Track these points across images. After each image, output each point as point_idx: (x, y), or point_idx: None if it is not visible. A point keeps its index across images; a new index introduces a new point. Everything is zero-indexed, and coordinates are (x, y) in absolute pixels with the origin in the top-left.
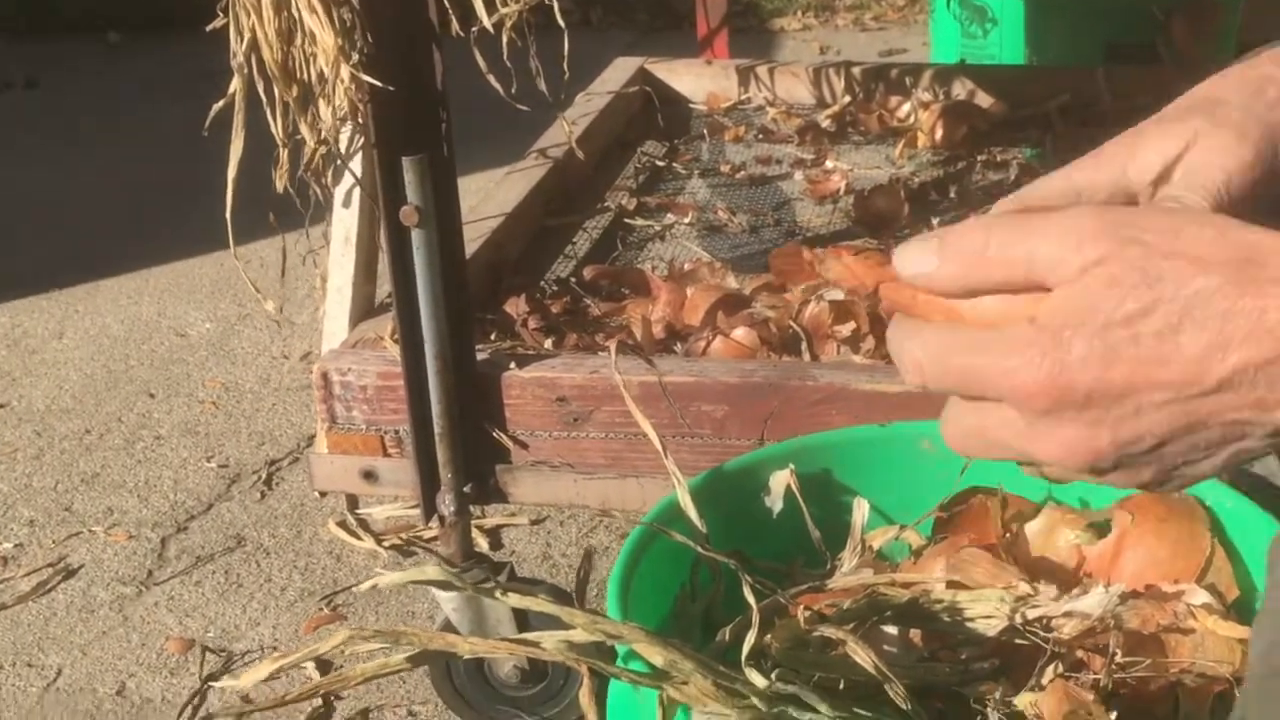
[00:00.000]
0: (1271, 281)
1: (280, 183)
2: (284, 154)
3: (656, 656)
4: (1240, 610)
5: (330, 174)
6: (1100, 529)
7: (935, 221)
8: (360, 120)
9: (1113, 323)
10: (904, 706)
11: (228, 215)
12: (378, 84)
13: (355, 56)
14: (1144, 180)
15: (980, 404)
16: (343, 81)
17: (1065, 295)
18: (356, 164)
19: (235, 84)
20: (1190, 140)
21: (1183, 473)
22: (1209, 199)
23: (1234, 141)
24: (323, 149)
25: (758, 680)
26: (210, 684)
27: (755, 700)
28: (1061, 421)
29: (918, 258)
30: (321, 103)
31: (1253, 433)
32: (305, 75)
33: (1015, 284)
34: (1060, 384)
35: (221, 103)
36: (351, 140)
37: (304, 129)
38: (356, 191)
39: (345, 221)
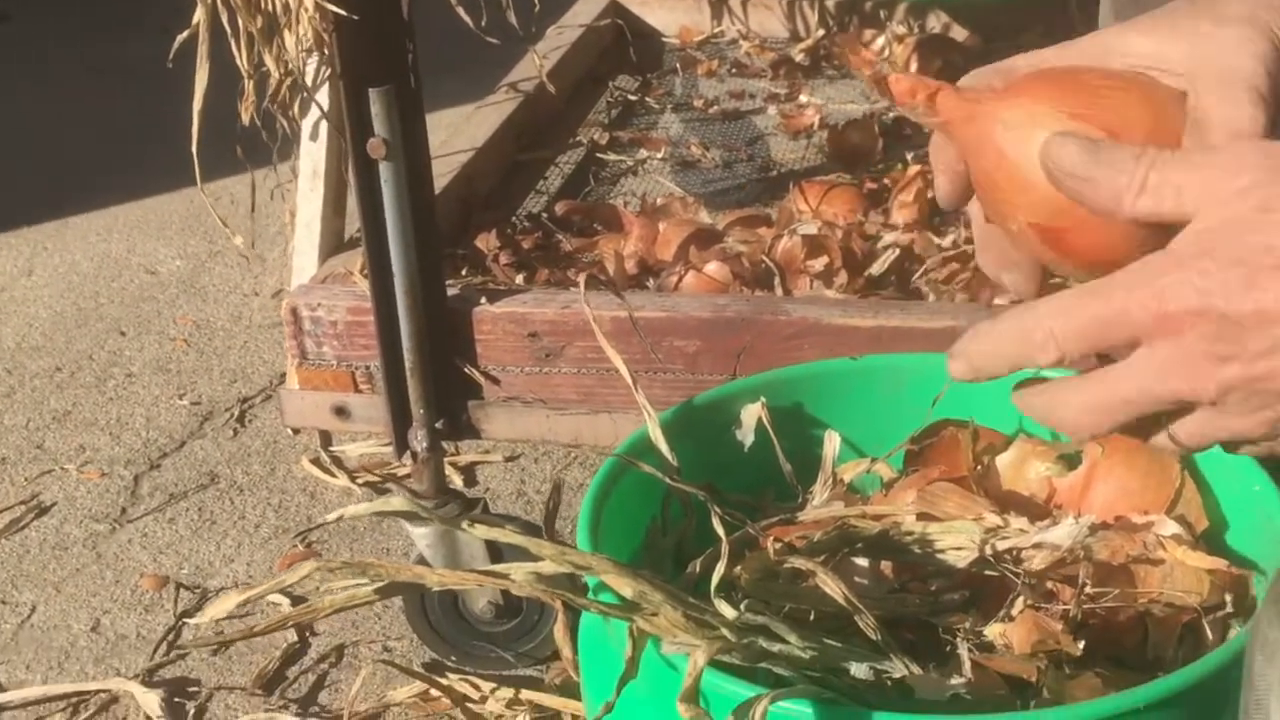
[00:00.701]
0: None
1: (245, 115)
2: (250, 86)
3: (626, 588)
4: (1209, 541)
5: (297, 107)
6: (1071, 461)
7: (909, 156)
8: (326, 51)
9: (1259, 249)
10: (874, 637)
11: (193, 149)
12: (342, 13)
13: None
14: (1126, 61)
15: (1101, 371)
16: (307, 11)
17: (1208, 223)
18: (323, 96)
19: (199, 14)
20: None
21: None
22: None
23: (1251, 34)
24: (289, 81)
25: (727, 611)
26: (185, 620)
27: (725, 631)
28: (1193, 351)
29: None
30: (286, 33)
31: None
32: (270, 5)
33: (1163, 215)
34: (1201, 307)
35: (185, 34)
36: (318, 72)
37: (269, 61)
38: (324, 125)
39: (313, 155)
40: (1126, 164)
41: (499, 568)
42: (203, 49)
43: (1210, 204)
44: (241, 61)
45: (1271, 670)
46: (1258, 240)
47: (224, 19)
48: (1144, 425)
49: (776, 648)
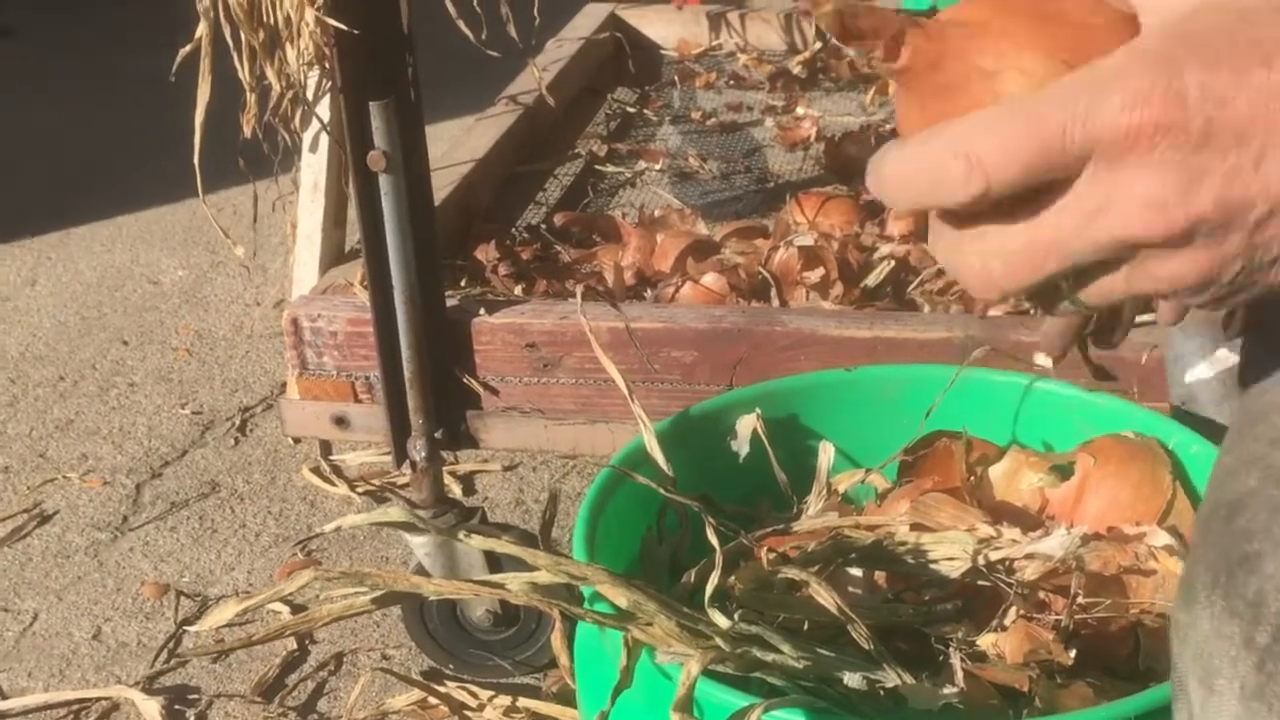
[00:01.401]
0: None
1: (248, 128)
2: (251, 99)
3: (621, 598)
4: None
5: (298, 120)
6: (1063, 472)
7: None
8: (327, 65)
9: (1239, 42)
10: (867, 647)
11: (195, 161)
12: (343, 28)
13: (320, 0)
14: None
15: (1031, 213)
16: (308, 25)
17: (1176, 11)
18: (324, 109)
19: (201, 29)
20: None
21: (1253, 275)
22: None
23: None
24: (290, 94)
25: (721, 621)
26: (185, 628)
27: (719, 641)
28: (1157, 168)
29: None
30: (288, 47)
31: None
32: (271, 19)
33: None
34: (1170, 112)
35: (188, 47)
36: (319, 85)
37: (270, 74)
38: (324, 137)
39: (313, 168)
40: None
41: (496, 578)
42: (205, 63)
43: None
44: (244, 74)
45: (1185, 650)
46: (1240, 37)
47: (226, 33)
48: (1049, 290)
49: (770, 657)
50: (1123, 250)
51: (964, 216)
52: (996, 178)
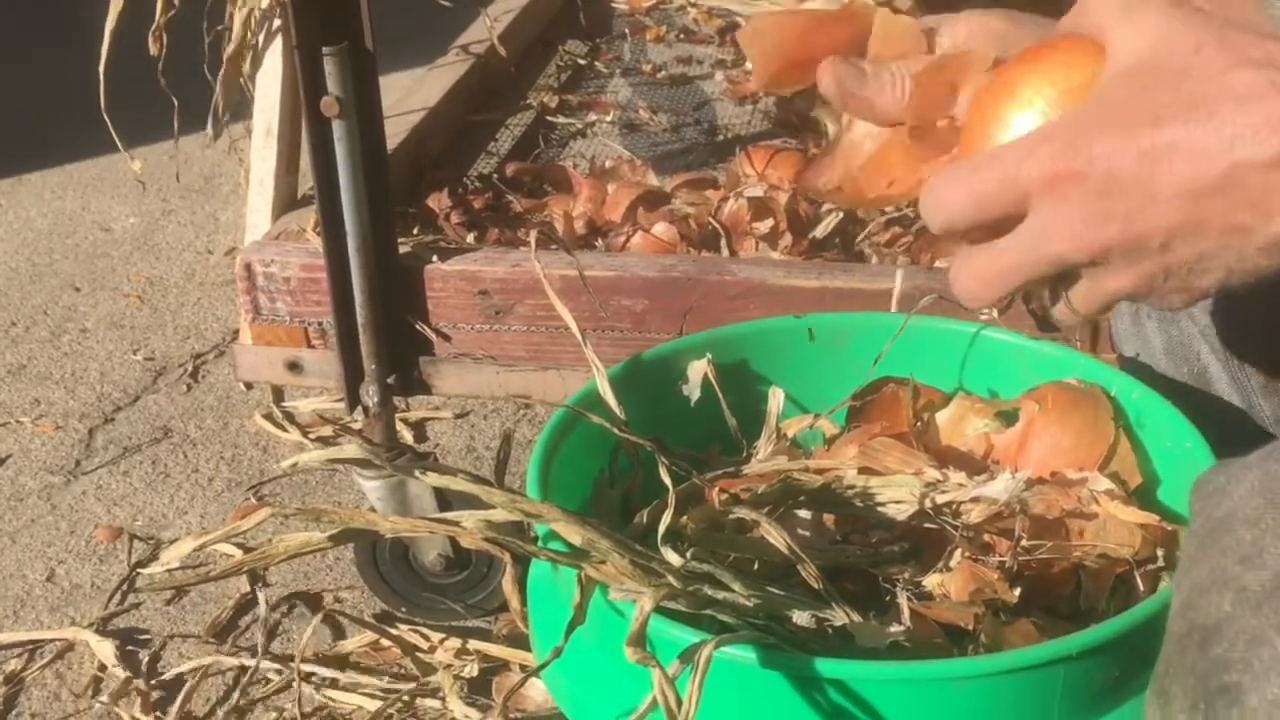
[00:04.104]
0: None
1: (154, 47)
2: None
3: (575, 536)
4: (1142, 496)
5: (248, 64)
6: (1008, 418)
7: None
8: (280, 8)
9: (1139, 106)
10: (816, 586)
11: (100, 69)
12: None
13: None
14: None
15: (991, 242)
16: None
17: (1103, 84)
18: (277, 55)
19: None
20: None
21: (1184, 282)
22: None
23: None
24: (246, 37)
25: (673, 560)
26: (139, 570)
27: (670, 579)
28: (1075, 208)
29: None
30: None
31: (1248, 244)
32: None
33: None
34: (1076, 168)
35: None
36: (270, 30)
37: (237, 17)
38: (277, 83)
39: (266, 114)
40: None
41: (451, 515)
42: None
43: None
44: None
45: None
46: (1139, 103)
47: None
48: (1038, 295)
49: (721, 595)
50: (1065, 268)
51: (959, 242)
52: (958, 215)
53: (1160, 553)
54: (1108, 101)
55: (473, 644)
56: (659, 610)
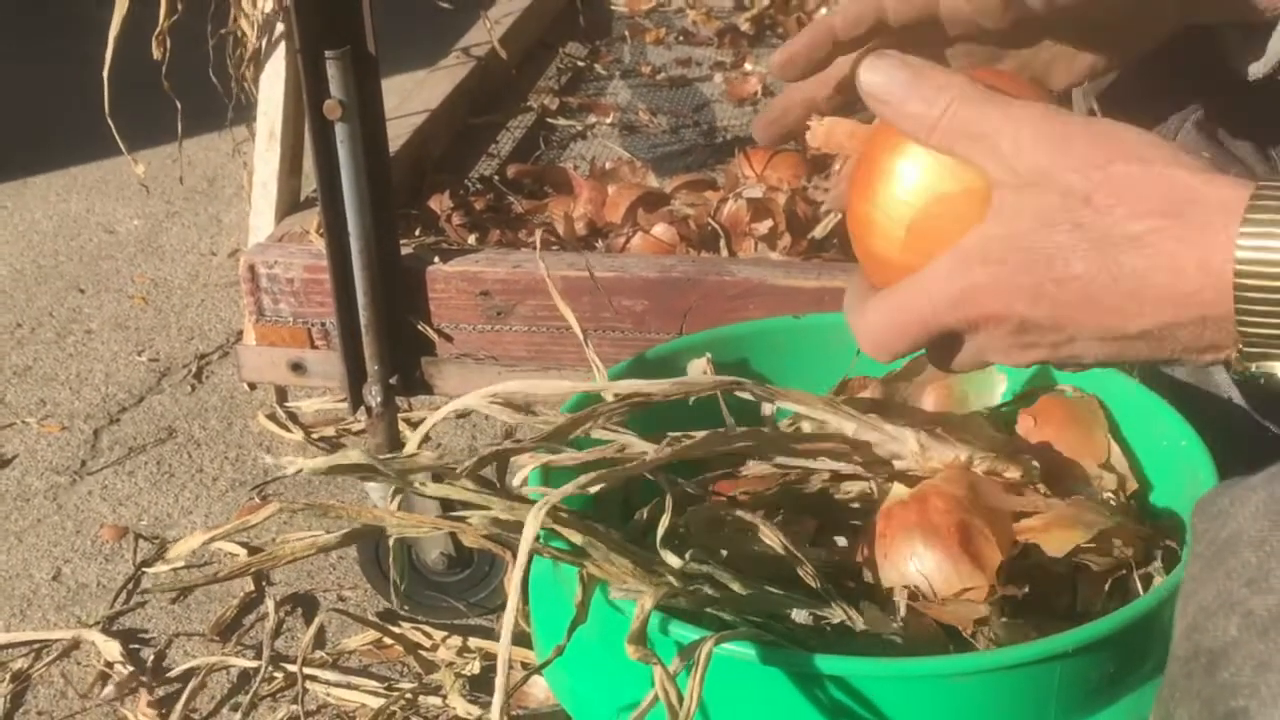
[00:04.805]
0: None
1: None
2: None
3: (576, 536)
4: (1138, 501)
5: (253, 69)
6: (1006, 419)
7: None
8: (283, 12)
9: (1041, 262)
10: (814, 585)
11: (104, 73)
12: None
13: None
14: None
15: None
16: None
17: (996, 230)
18: (280, 59)
19: None
20: None
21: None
22: None
23: None
24: (251, 39)
25: (673, 560)
26: (144, 569)
27: (671, 578)
28: (1001, 341)
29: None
30: None
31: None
32: None
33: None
34: (1002, 312)
35: None
36: (273, 34)
37: (243, 18)
38: (280, 87)
39: (270, 116)
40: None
41: (457, 514)
42: None
43: (999, 196)
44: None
45: None
46: (1039, 254)
47: None
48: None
49: (720, 594)
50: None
51: None
52: (896, 350)
53: (1159, 555)
54: (1004, 243)
55: (474, 642)
56: (659, 608)
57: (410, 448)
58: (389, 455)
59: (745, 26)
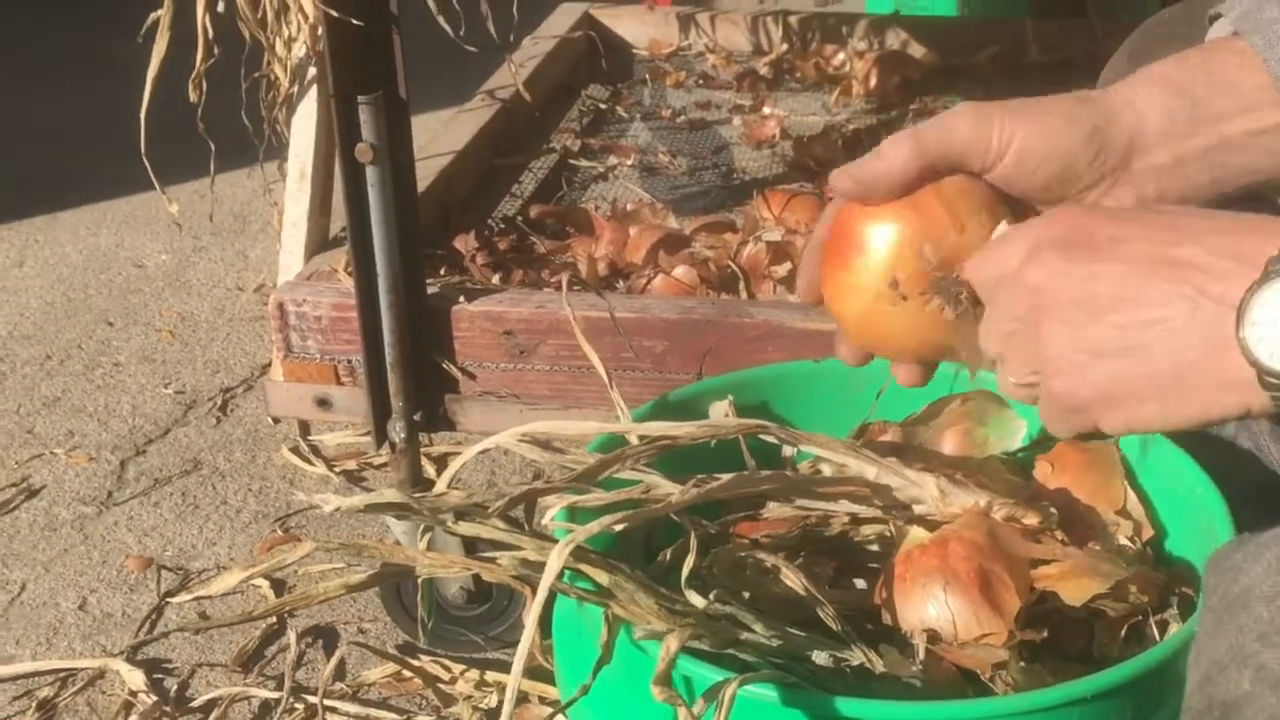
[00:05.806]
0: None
1: (194, 93)
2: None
3: (601, 576)
4: (1154, 548)
5: (284, 110)
6: (1024, 464)
7: None
8: (317, 58)
9: (1085, 349)
10: (835, 627)
11: (141, 114)
12: (334, 13)
13: None
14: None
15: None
16: (305, 17)
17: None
18: (312, 102)
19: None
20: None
21: None
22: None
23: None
24: (283, 83)
25: (697, 601)
26: (168, 600)
27: (694, 619)
28: (1065, 415)
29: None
30: (278, 41)
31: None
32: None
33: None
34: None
35: (158, 13)
36: (305, 78)
37: (275, 61)
38: (312, 129)
39: (301, 158)
40: None
41: (486, 554)
42: (165, 19)
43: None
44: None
45: None
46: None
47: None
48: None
49: (743, 635)
50: None
51: None
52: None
53: (1175, 601)
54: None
55: (492, 675)
56: (683, 649)
57: (440, 486)
58: (421, 494)
59: (764, 70)
